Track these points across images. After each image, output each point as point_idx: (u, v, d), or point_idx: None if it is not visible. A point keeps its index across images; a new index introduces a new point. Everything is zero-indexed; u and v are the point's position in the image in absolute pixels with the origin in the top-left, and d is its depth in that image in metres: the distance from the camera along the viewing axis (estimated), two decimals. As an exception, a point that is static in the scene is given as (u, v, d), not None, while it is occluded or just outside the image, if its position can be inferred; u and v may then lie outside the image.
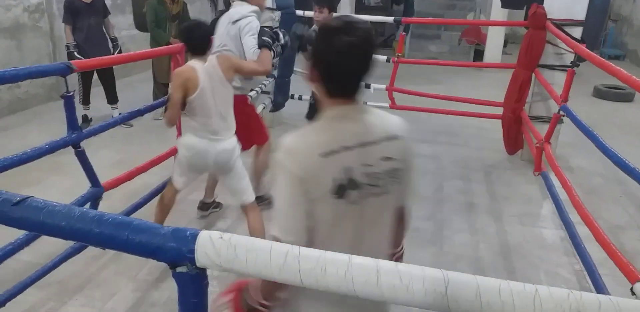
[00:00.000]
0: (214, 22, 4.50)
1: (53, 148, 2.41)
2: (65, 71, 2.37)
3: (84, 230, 0.85)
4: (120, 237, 0.84)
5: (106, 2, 5.61)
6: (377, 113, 1.39)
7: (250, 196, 3.06)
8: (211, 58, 2.88)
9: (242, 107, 3.38)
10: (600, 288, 2.55)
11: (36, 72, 2.28)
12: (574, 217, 3.17)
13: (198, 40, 2.81)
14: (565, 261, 3.31)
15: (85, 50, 5.12)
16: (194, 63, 2.81)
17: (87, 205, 2.71)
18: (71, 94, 2.45)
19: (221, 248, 0.80)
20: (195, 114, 2.84)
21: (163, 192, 3.11)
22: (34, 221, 0.88)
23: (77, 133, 2.54)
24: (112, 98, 5.64)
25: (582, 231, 3.04)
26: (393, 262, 0.79)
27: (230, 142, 2.97)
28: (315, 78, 1.30)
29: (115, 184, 2.90)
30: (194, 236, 0.82)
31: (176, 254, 0.82)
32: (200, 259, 0.81)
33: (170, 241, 0.82)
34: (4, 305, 2.24)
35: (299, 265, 0.77)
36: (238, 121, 3.05)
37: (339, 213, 1.30)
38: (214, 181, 3.66)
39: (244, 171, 3.08)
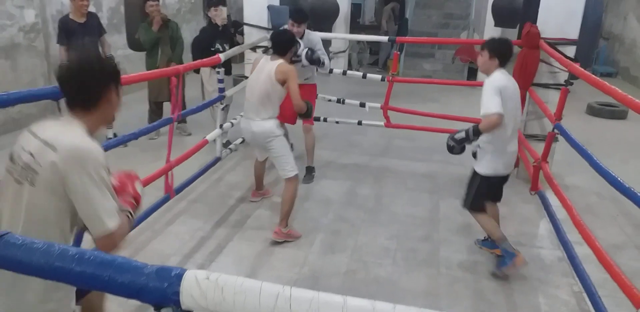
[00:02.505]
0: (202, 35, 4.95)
1: None
2: (57, 95, 2.34)
3: (64, 269, 0.80)
4: (102, 277, 0.80)
5: (102, 21, 5.62)
6: (68, 127, 1.62)
7: (284, 172, 3.66)
8: (278, 61, 3.56)
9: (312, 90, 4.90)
10: (600, 311, 2.51)
11: (27, 97, 2.23)
12: (572, 236, 3.14)
13: (279, 43, 3.60)
14: (564, 282, 3.26)
15: None
16: (265, 57, 3.66)
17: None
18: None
19: (207, 290, 0.76)
20: (245, 94, 3.69)
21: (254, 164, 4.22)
22: (10, 259, 0.83)
23: None
24: None
25: (581, 251, 3.01)
26: (390, 305, 0.75)
27: (261, 124, 3.60)
28: None
29: None
30: (179, 277, 0.78)
31: (160, 295, 0.78)
32: (186, 301, 0.77)
33: (154, 281, 0.78)
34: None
35: (290, 308, 0.72)
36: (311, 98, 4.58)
37: (4, 180, 1.62)
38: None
39: (282, 151, 3.64)
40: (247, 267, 3.31)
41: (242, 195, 4.44)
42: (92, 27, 5.27)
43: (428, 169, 5.11)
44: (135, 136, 3.19)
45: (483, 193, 3.33)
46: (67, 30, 5.11)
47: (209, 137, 4.42)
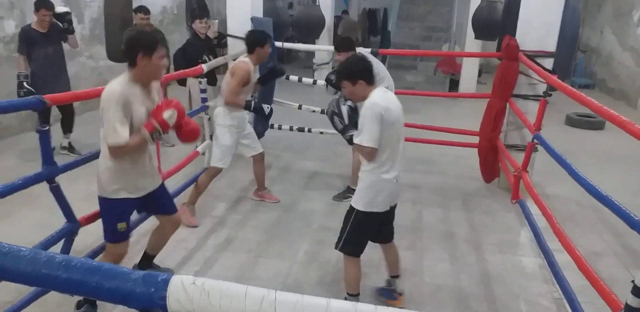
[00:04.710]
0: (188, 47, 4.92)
1: (27, 183, 2.35)
2: (39, 106, 2.33)
3: (51, 276, 0.81)
4: (89, 283, 0.81)
5: (84, 32, 5.59)
6: (118, 77, 2.55)
7: (211, 160, 4.16)
8: (242, 58, 4.07)
9: None
10: (580, 317, 2.55)
11: (8, 107, 2.23)
12: (552, 244, 3.19)
13: (247, 42, 4.07)
14: (545, 289, 3.31)
15: (43, 80, 5.01)
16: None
17: (62, 241, 2.63)
18: (46, 128, 2.41)
19: (194, 294, 0.77)
20: None
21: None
22: (-3, 267, 0.83)
23: (52, 168, 2.48)
24: (66, 128, 5.48)
25: (561, 258, 3.06)
26: (372, 306, 0.77)
27: (216, 109, 4.17)
28: None
29: (93, 219, 2.81)
30: (166, 282, 0.79)
31: (147, 300, 0.79)
32: (172, 305, 0.78)
33: (141, 286, 0.79)
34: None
35: (275, 311, 0.74)
36: None
37: None
38: None
39: (217, 140, 4.09)
40: (232, 278, 3.30)
41: (227, 206, 4.44)
42: (54, 36, 5.19)
43: (411, 179, 5.14)
44: None
45: (361, 232, 2.81)
46: (28, 40, 5.03)
47: (200, 149, 4.41)
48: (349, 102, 2.78)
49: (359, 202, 2.77)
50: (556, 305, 3.12)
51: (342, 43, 4.56)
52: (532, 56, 4.48)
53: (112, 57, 5.89)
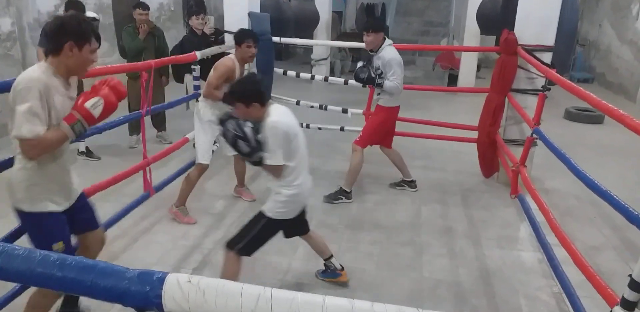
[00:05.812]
0: (185, 43, 4.85)
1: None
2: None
3: (46, 274, 0.81)
4: (84, 282, 0.80)
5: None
6: (33, 67, 2.12)
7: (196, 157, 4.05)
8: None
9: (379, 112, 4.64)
10: (579, 311, 2.55)
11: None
12: (551, 239, 3.19)
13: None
14: (544, 284, 3.31)
15: None
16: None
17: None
18: None
19: (189, 292, 0.77)
20: None
21: None
22: (-8, 266, 0.83)
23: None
24: None
25: (560, 253, 3.06)
26: (369, 303, 0.77)
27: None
28: None
29: None
30: (161, 280, 0.79)
31: (143, 298, 0.79)
32: (168, 304, 0.78)
33: (136, 285, 0.79)
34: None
35: (271, 309, 0.74)
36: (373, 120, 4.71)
37: None
38: None
39: (196, 135, 4.06)
40: (231, 274, 3.30)
41: (225, 203, 4.43)
42: None
43: (410, 175, 5.15)
44: (99, 130, 3.18)
45: (265, 238, 2.85)
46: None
47: (190, 135, 4.43)
48: (249, 123, 2.62)
49: (272, 211, 2.81)
50: (555, 299, 3.13)
51: (372, 24, 4.44)
52: (531, 50, 4.47)
53: (123, 54, 5.87)
